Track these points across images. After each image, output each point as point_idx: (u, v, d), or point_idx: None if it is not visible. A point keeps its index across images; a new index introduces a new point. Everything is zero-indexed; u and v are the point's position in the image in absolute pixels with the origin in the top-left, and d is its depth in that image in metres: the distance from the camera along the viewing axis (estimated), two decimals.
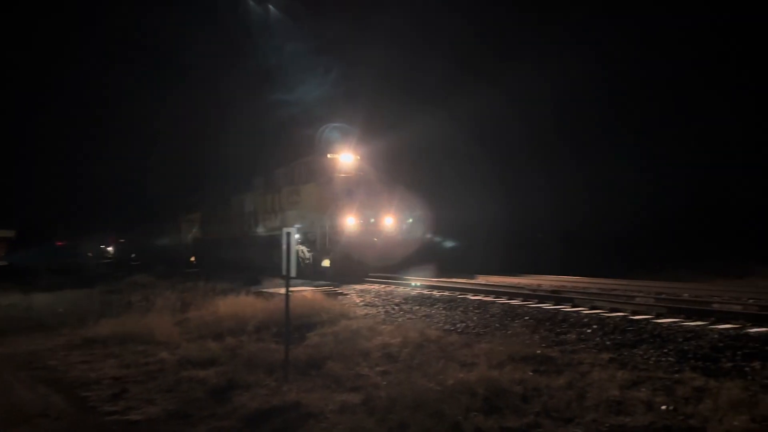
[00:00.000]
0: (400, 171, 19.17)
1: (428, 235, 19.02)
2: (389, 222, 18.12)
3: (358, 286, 15.23)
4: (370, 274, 17.70)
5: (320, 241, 17.68)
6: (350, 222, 17.48)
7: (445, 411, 4.98)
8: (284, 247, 6.46)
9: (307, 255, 18.52)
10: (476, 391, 5.41)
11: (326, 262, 17.45)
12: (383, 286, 15.49)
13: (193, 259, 31.00)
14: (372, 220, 17.92)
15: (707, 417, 4.57)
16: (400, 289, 14.46)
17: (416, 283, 15.47)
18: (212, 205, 29.20)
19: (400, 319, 10.22)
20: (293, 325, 8.50)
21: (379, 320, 10.03)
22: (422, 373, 6.21)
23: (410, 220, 18.58)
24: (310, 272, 18.07)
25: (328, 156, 19.02)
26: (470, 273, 18.64)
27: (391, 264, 17.78)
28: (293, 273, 6.50)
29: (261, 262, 21.21)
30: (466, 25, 31.76)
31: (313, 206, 18.43)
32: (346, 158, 18.96)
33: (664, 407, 4.89)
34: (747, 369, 5.98)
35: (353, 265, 17.34)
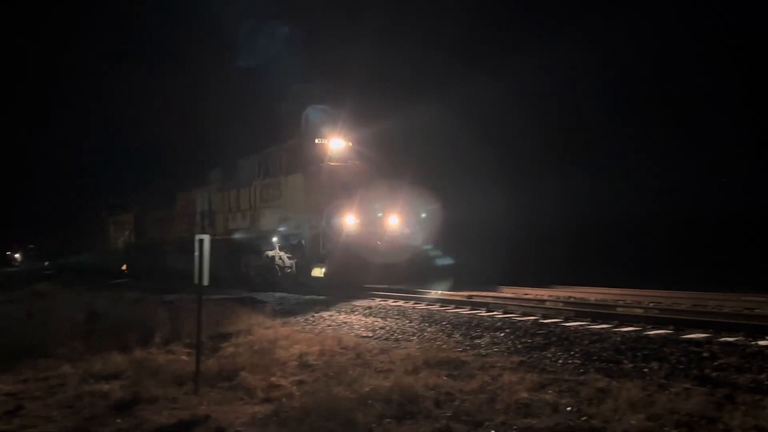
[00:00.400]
0: (401, 162, 15.97)
1: (437, 239, 15.82)
2: (394, 222, 14.95)
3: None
4: (367, 286, 14.48)
5: (310, 245, 14.50)
6: (350, 221, 14.30)
7: (359, 419, 4.96)
8: (197, 254, 6.24)
9: (288, 262, 15.46)
10: (391, 398, 5.42)
11: (318, 271, 14.27)
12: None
13: (124, 267, 27.50)
14: (375, 219, 14.77)
15: (608, 417, 4.77)
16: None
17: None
18: (150, 205, 25.35)
19: (319, 327, 10.14)
20: (207, 335, 8.25)
21: (297, 328, 9.90)
22: (338, 381, 6.17)
23: (422, 218, 15.39)
24: (290, 283, 15.31)
25: (317, 141, 15.59)
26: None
27: (396, 273, 14.70)
28: (206, 282, 6.29)
29: (220, 271, 17.19)
30: (469, 12, 28.94)
31: (300, 202, 15.13)
32: (336, 144, 15.56)
33: (569, 408, 5.07)
34: (646, 369, 6.32)
35: (353, 275, 14.35)
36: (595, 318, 9.21)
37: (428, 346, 8.02)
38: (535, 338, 8.10)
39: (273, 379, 6.48)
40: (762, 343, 6.94)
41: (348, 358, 7.29)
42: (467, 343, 8.30)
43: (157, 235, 24.36)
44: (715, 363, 6.30)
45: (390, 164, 15.79)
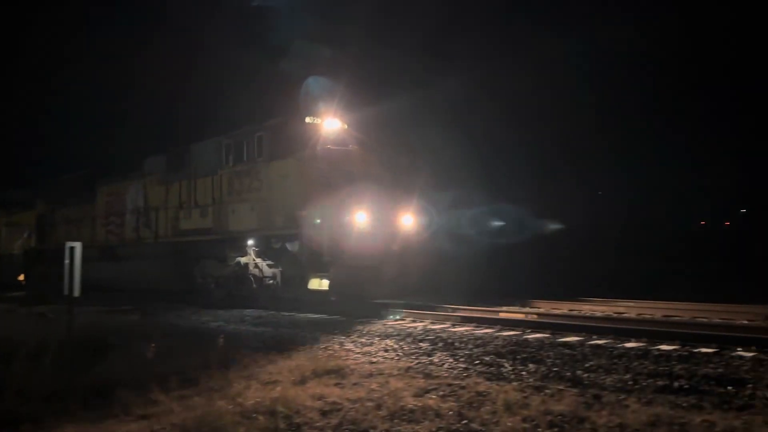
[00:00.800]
0: (411, 152, 13.46)
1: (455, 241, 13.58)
2: (408, 222, 12.40)
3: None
4: (377, 301, 12.32)
5: (308, 250, 11.74)
6: (360, 219, 11.66)
7: None
8: (67, 262, 5.84)
9: (268, 271, 12.79)
10: (275, 410, 5.33)
11: (318, 283, 11.71)
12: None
13: (22, 277, 22.87)
14: (387, 218, 12.18)
15: (486, 420, 4.94)
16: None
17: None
18: (61, 201, 20.92)
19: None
20: (81, 349, 7.74)
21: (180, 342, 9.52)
22: (221, 395, 5.98)
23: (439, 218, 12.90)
24: (268, 297, 12.81)
25: (308, 120, 12.80)
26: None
27: (410, 282, 12.44)
28: (77, 293, 5.90)
29: (165, 282, 15.48)
30: None
31: (291, 195, 12.21)
32: (332, 125, 12.75)
33: (450, 413, 5.21)
34: (524, 372, 6.62)
35: (364, 286, 11.94)
36: (480, 323, 9.56)
37: (318, 354, 7.99)
38: (422, 344, 8.28)
39: (152, 394, 6.18)
40: (628, 345, 7.48)
41: (234, 370, 7.09)
42: (358, 351, 8.33)
43: (69, 238, 20.11)
44: (587, 365, 6.71)
45: (397, 153, 13.23)
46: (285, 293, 12.64)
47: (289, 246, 12.29)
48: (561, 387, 5.90)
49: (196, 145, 15.17)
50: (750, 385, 5.61)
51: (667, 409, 5.04)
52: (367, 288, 12.03)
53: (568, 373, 6.43)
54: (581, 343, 7.65)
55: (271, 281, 12.76)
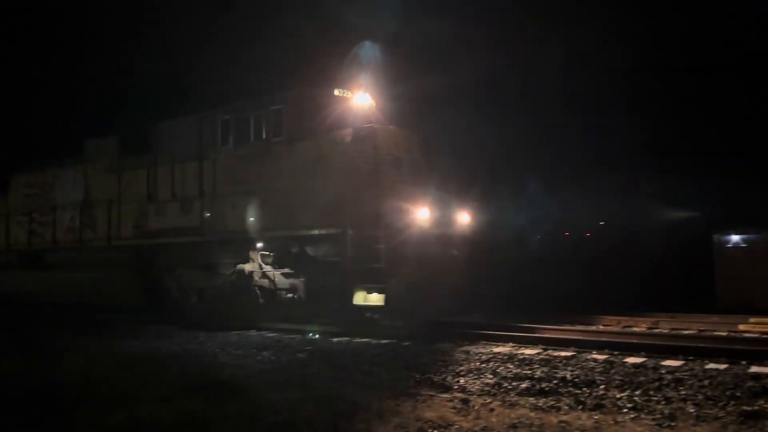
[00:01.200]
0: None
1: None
2: (465, 219, 10.27)
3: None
4: (439, 319, 10.12)
5: (354, 254, 9.28)
6: (423, 216, 9.48)
7: None
8: None
9: (283, 282, 10.30)
10: (138, 430, 5.08)
11: (365, 297, 9.27)
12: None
13: None
14: (447, 216, 10.00)
15: (359, 429, 5.00)
16: None
17: None
18: None
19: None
20: None
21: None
22: (79, 415, 5.59)
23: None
24: (280, 315, 10.72)
25: (336, 92, 10.63)
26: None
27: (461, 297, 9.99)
28: None
29: (116, 296, 12.65)
30: None
31: (325, 184, 9.68)
32: (362, 100, 10.66)
33: (324, 424, 5.20)
34: (399, 379, 6.76)
35: (426, 300, 9.38)
36: (358, 332, 9.65)
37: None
38: (299, 355, 8.22)
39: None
40: (495, 350, 7.87)
41: (92, 388, 6.66)
42: (233, 364, 8.12)
43: None
44: (458, 369, 6.98)
45: (446, 138, 11.04)
46: (310, 310, 10.27)
47: (310, 250, 10.00)
48: (432, 393, 6.09)
49: (169, 123, 12.22)
50: (602, 387, 6.08)
51: (528, 411, 5.36)
52: (428, 302, 9.51)
53: (440, 379, 6.64)
54: (452, 349, 7.93)
55: (288, 294, 10.27)
